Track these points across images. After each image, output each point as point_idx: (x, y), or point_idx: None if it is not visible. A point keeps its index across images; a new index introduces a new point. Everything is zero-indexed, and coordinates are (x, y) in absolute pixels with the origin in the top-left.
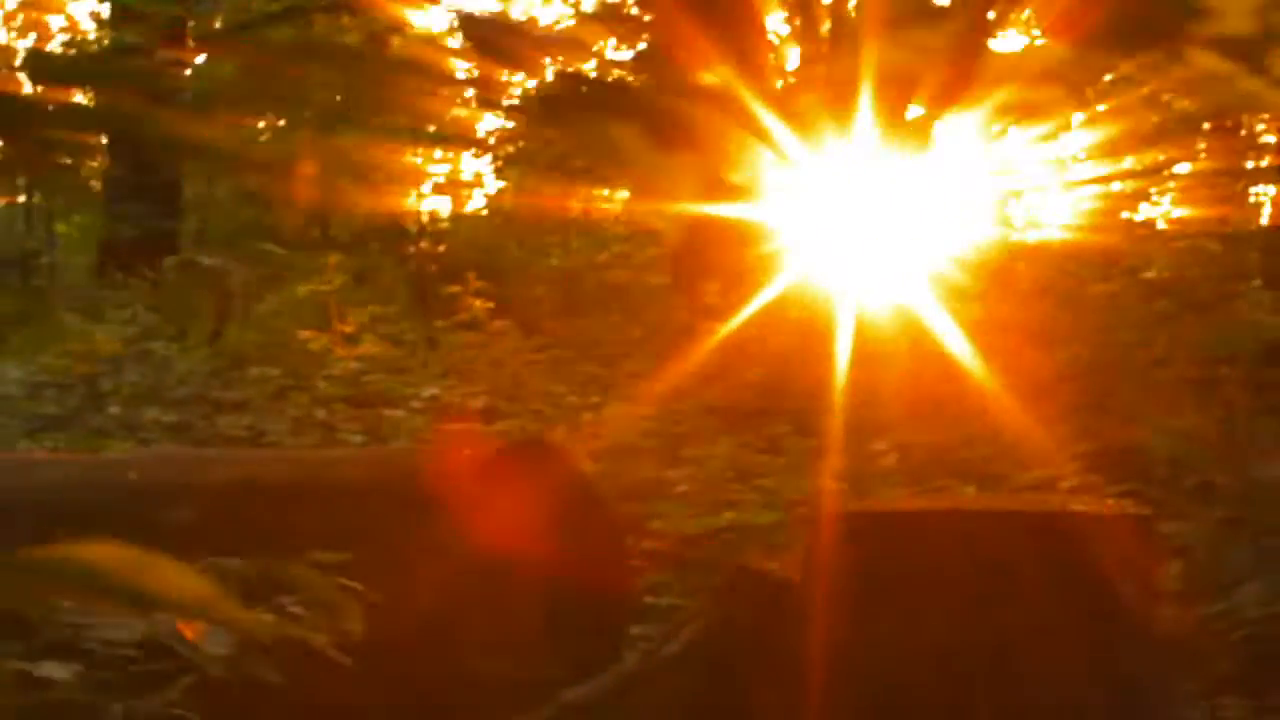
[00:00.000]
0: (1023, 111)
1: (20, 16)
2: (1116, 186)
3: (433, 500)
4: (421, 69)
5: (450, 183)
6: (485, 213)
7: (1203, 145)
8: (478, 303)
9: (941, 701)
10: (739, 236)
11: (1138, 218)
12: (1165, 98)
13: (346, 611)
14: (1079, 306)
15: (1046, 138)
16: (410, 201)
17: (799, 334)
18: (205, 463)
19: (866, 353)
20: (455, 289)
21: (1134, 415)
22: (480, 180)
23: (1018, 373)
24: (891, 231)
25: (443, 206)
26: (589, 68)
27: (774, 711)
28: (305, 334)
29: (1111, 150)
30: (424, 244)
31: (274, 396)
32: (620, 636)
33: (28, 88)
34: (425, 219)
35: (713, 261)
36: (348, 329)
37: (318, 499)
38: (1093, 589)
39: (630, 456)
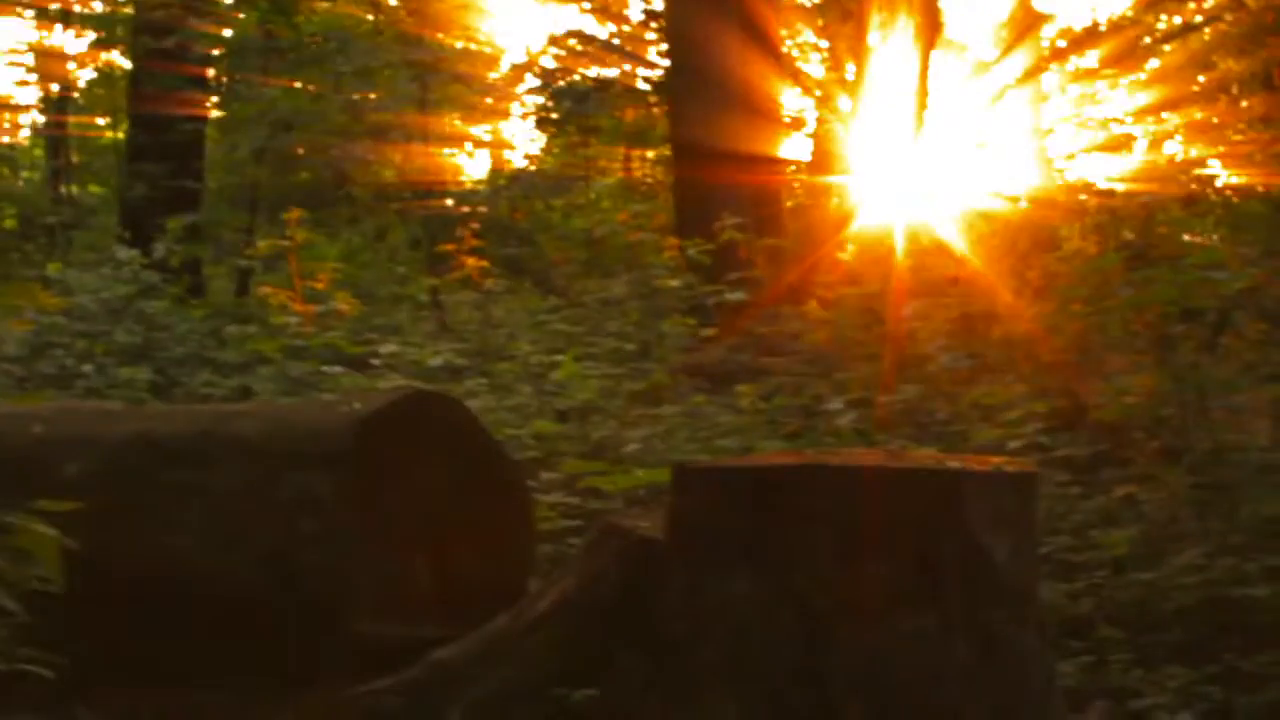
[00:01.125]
0: None
1: None
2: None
3: (326, 455)
4: None
5: (485, 143)
6: (515, 173)
7: (1247, 104)
8: (471, 261)
9: (800, 656)
10: (739, 199)
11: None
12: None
13: (45, 561)
14: (1056, 264)
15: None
16: (444, 161)
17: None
18: (107, 417)
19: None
20: (450, 247)
21: (1097, 373)
22: (509, 143)
23: (996, 329)
24: (906, 184)
25: (478, 167)
26: None
27: (636, 667)
28: (265, 290)
29: (1159, 110)
30: (448, 203)
31: (258, 355)
32: (521, 593)
33: None
34: (453, 179)
35: (711, 222)
36: (320, 285)
37: (209, 454)
38: (960, 546)
39: (596, 415)
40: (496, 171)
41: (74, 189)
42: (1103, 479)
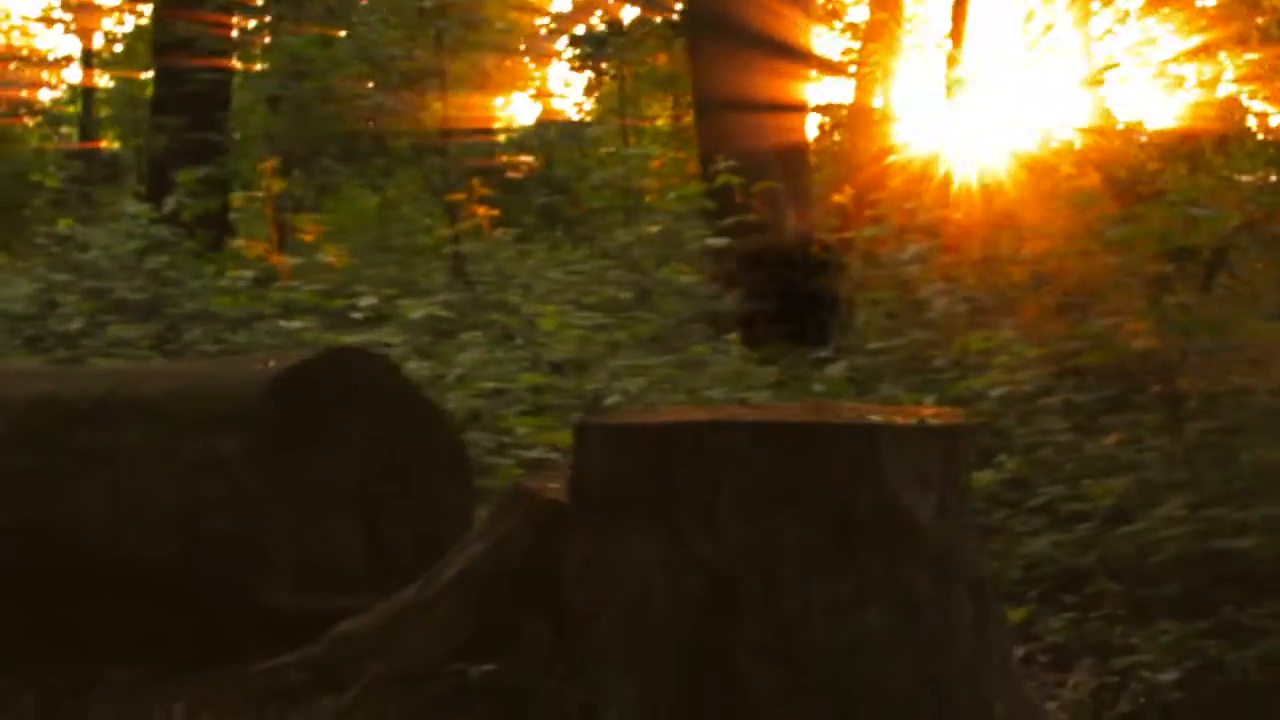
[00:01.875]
0: None
1: None
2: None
3: (233, 417)
4: None
5: (514, 89)
6: (546, 121)
7: None
8: (482, 210)
9: (704, 627)
10: (761, 147)
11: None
12: None
13: None
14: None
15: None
16: (473, 110)
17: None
18: (14, 378)
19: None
20: (460, 196)
21: (1093, 316)
22: (552, 92)
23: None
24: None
25: (525, 116)
26: None
27: (540, 639)
28: (240, 242)
29: (1207, 50)
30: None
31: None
32: None
33: None
34: (484, 127)
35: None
36: (308, 237)
37: (115, 416)
38: (878, 506)
39: (592, 366)
40: (545, 120)
41: (115, 144)
42: (1100, 426)
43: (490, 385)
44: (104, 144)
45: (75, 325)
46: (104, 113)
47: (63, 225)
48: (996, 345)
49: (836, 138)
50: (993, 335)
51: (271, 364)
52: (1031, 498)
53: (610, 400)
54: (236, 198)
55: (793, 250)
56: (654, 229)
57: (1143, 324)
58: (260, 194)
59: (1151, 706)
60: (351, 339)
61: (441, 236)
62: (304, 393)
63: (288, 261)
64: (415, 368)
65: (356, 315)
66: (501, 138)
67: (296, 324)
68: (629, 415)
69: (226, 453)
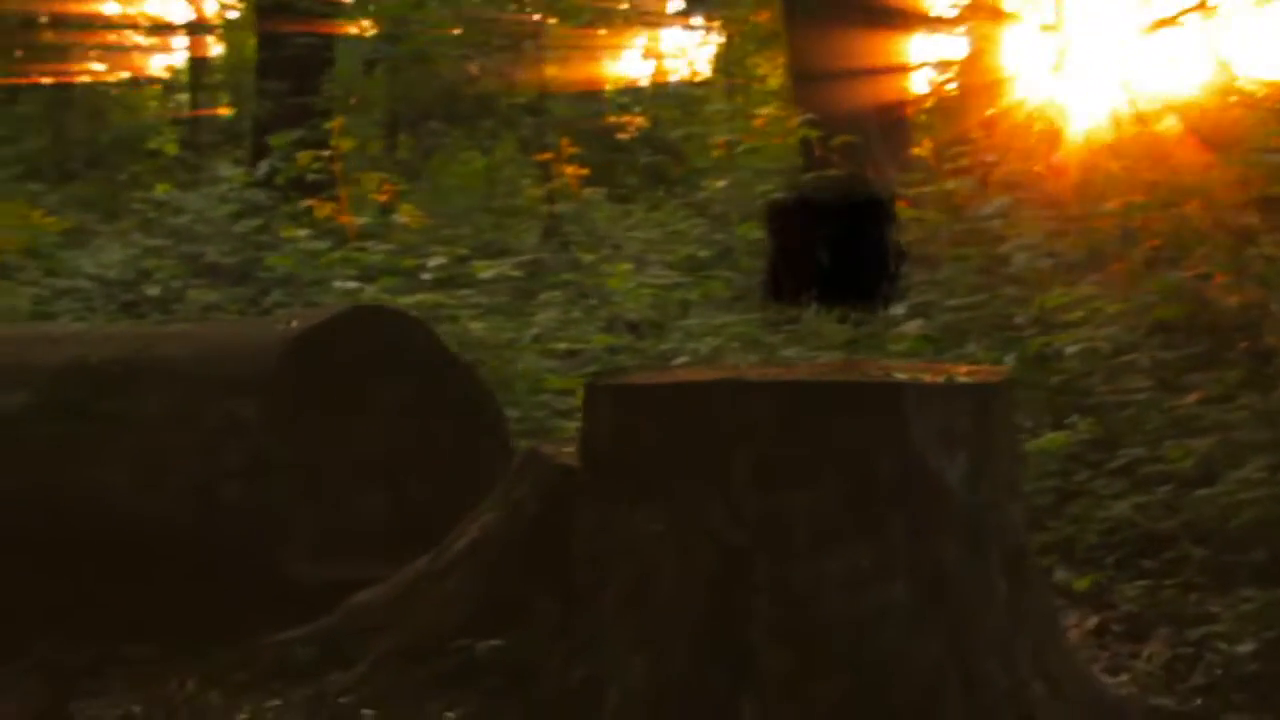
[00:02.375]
0: None
1: None
2: None
3: (251, 379)
4: None
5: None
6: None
7: None
8: (570, 170)
9: (714, 600)
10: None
11: None
12: None
13: None
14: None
15: None
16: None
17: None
18: (43, 343)
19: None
20: (548, 156)
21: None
22: (663, 52)
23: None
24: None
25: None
26: None
27: (549, 613)
28: (309, 202)
29: None
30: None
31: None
32: None
33: None
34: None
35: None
36: (383, 197)
37: (138, 380)
38: (902, 469)
39: (663, 328)
40: (650, 80)
41: (228, 110)
42: (1186, 384)
43: (564, 346)
44: (220, 111)
45: (164, 290)
46: (218, 78)
47: (160, 190)
48: (1075, 301)
49: (948, 93)
50: (1070, 291)
51: (294, 324)
52: (1113, 459)
53: (679, 361)
54: (303, 156)
55: (864, 204)
56: (720, 184)
57: (1225, 276)
58: (327, 154)
59: (1228, 679)
60: (424, 299)
61: (534, 196)
62: (327, 354)
63: (355, 222)
64: (489, 328)
65: (426, 276)
66: (606, 98)
67: (352, 285)
68: (640, 375)
69: (246, 417)
